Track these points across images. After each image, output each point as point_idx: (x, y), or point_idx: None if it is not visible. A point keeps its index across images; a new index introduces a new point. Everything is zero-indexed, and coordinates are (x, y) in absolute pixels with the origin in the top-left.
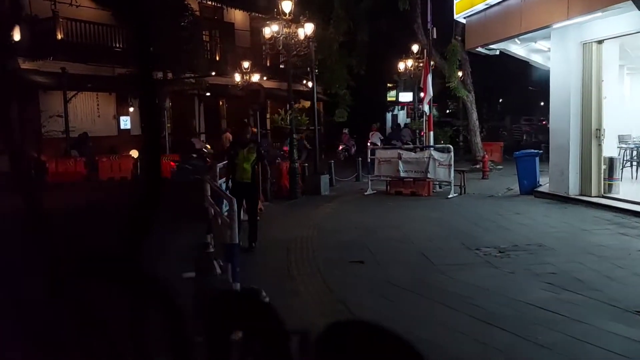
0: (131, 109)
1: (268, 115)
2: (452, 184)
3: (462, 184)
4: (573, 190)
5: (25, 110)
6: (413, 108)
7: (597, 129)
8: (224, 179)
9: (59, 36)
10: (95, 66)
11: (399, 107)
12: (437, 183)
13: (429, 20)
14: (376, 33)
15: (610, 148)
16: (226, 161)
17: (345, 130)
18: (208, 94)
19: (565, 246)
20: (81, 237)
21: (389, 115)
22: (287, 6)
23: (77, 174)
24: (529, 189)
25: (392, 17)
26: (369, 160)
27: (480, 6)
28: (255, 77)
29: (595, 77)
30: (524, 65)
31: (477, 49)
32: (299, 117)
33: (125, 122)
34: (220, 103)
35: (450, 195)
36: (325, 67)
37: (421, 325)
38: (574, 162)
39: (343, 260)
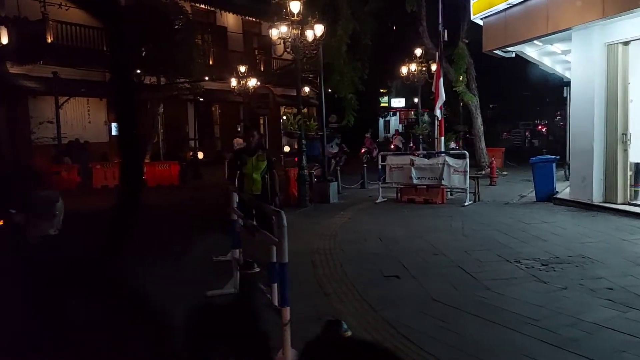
0: None
1: (261, 121)
2: (468, 191)
3: (477, 191)
4: (597, 197)
5: (14, 116)
6: (416, 113)
7: (623, 134)
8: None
9: (49, 39)
10: (85, 70)
11: (392, 113)
12: (449, 190)
13: (440, 22)
14: (378, 37)
15: (635, 153)
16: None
17: (368, 134)
18: (202, 99)
19: (610, 258)
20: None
21: (381, 122)
22: (295, 7)
23: (71, 181)
24: (546, 195)
25: (395, 20)
26: (379, 166)
27: (501, 6)
28: (252, 82)
29: (622, 80)
30: (519, 70)
31: (494, 51)
32: (308, 122)
33: (117, 128)
34: (213, 108)
35: (466, 203)
36: (333, 71)
37: (492, 353)
38: (598, 168)
39: (376, 275)
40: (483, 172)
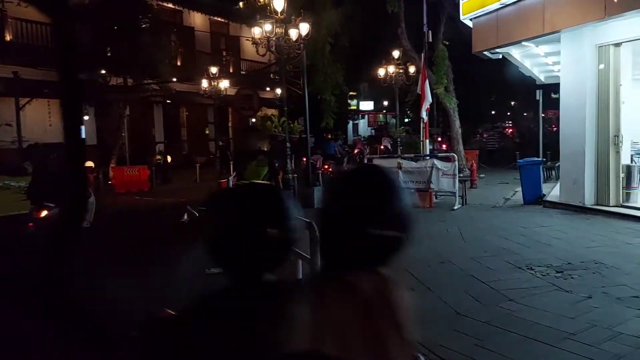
0: (86, 117)
1: (230, 123)
2: (457, 195)
3: (464, 195)
4: (589, 199)
5: None
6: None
7: (615, 136)
8: None
9: (8, 37)
10: (46, 70)
11: (360, 116)
12: (434, 193)
13: (425, 22)
14: (353, 38)
15: (627, 155)
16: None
17: (360, 137)
18: (169, 101)
19: (624, 263)
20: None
21: (350, 125)
22: (279, 4)
23: None
24: (534, 198)
25: (368, 22)
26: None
27: (494, 6)
28: (223, 84)
29: (613, 81)
30: (490, 72)
31: (483, 52)
32: (292, 125)
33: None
34: (180, 111)
35: (455, 207)
36: (317, 71)
37: None
38: (590, 171)
39: None
40: (462, 175)
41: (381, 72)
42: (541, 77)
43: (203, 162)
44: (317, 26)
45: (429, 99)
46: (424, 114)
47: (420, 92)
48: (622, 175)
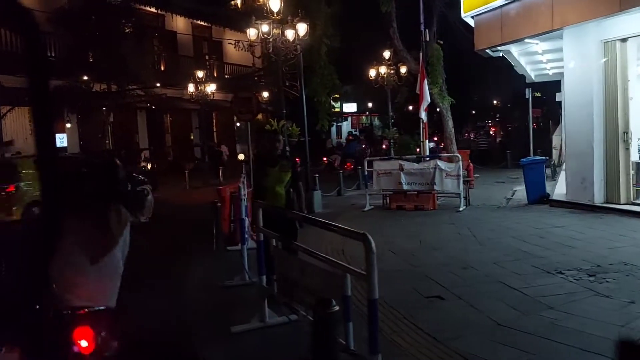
0: (68, 125)
1: (214, 129)
2: (462, 196)
3: (467, 196)
4: (598, 198)
5: None
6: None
7: (624, 132)
8: None
9: None
10: (24, 77)
11: (343, 118)
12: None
13: (421, 21)
14: (343, 39)
15: (636, 152)
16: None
17: (362, 136)
18: (153, 106)
19: None
20: None
21: (334, 127)
22: (275, 5)
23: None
24: (538, 197)
25: (357, 23)
26: (365, 173)
27: (498, 2)
28: (210, 88)
29: (621, 77)
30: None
31: (485, 50)
32: (290, 128)
33: (61, 140)
34: (164, 116)
35: (460, 208)
36: (314, 73)
37: None
38: (599, 168)
39: (414, 296)
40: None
41: (372, 73)
42: (532, 75)
43: (192, 167)
44: (313, 27)
45: (427, 98)
46: (423, 115)
47: (418, 92)
48: (632, 172)
